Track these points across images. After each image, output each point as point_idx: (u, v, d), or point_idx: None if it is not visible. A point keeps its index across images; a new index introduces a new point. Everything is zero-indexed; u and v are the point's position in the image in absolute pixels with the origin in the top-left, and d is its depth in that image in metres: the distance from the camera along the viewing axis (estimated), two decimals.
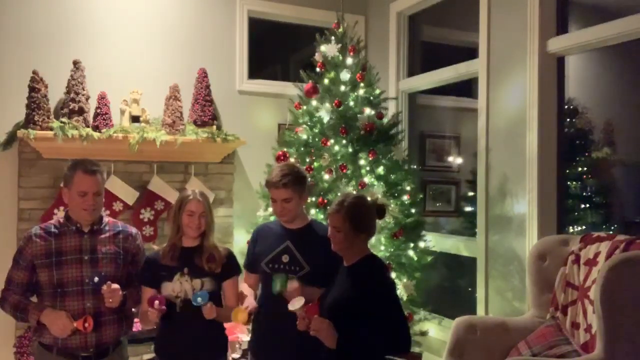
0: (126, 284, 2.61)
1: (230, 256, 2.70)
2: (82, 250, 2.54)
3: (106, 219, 2.68)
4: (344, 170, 3.44)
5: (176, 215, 2.62)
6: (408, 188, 3.61)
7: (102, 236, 2.61)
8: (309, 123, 3.66)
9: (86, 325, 2.43)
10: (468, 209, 4.48)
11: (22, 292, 2.55)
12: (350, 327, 2.28)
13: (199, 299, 2.48)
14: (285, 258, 2.62)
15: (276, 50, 5.16)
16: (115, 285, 2.47)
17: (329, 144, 3.53)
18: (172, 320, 2.55)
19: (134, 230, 2.75)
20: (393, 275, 3.41)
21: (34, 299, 2.60)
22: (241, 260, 2.83)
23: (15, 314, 2.54)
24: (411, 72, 4.69)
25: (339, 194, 3.44)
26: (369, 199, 2.56)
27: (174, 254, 2.61)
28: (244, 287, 2.75)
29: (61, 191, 3.77)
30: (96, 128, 3.87)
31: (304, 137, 3.62)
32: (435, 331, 3.91)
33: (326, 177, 3.47)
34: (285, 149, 3.61)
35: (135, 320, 2.77)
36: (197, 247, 2.63)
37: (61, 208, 3.77)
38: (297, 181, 2.61)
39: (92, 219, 2.58)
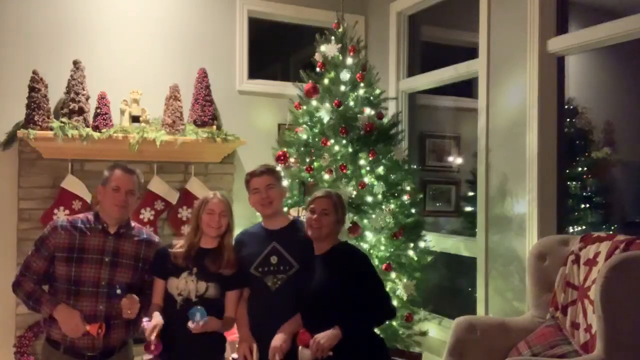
0: (139, 290, 2.62)
1: (243, 267, 2.68)
2: (105, 251, 2.55)
3: (133, 224, 2.70)
4: (344, 170, 3.44)
5: (197, 215, 2.64)
6: (408, 188, 3.61)
7: (127, 240, 2.62)
8: (309, 123, 3.66)
9: (100, 331, 2.43)
10: (468, 209, 4.48)
11: (38, 281, 2.54)
12: (342, 308, 2.40)
13: (198, 315, 2.44)
14: (273, 259, 2.64)
15: (276, 50, 5.16)
16: (136, 298, 2.48)
17: (329, 144, 3.52)
18: (171, 317, 2.54)
19: (157, 238, 2.77)
20: (393, 275, 3.42)
21: (46, 288, 2.59)
22: None
23: (27, 302, 2.53)
24: (411, 72, 4.69)
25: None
26: None
27: (189, 254, 2.60)
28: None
29: (61, 193, 3.80)
30: (96, 128, 3.87)
31: (304, 137, 3.62)
32: (435, 331, 3.91)
33: (326, 177, 3.47)
34: (285, 149, 3.61)
35: (143, 320, 2.77)
36: (213, 249, 2.63)
37: (61, 208, 3.78)
38: (276, 172, 2.79)
39: (119, 216, 2.58)
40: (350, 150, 3.52)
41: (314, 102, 3.65)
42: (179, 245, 2.66)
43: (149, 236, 2.72)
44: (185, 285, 2.56)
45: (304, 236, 2.60)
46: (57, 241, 2.51)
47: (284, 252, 2.65)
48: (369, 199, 3.44)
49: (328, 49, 3.65)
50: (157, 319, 2.49)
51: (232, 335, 3.58)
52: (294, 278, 2.61)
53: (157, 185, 4.12)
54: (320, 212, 2.51)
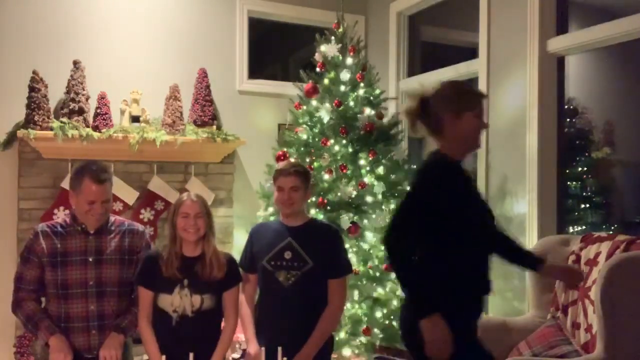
0: (132, 286, 2.59)
1: (232, 263, 2.59)
2: (87, 251, 2.52)
3: (112, 219, 2.64)
4: (344, 170, 3.44)
5: (171, 222, 2.50)
6: (408, 188, 3.60)
7: (108, 237, 2.57)
8: (309, 123, 3.66)
9: None
10: None
11: (36, 290, 2.51)
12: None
13: None
14: (287, 254, 2.61)
15: (276, 50, 5.16)
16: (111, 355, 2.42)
17: (329, 144, 3.53)
18: (168, 333, 2.47)
19: (140, 227, 2.69)
20: (393, 275, 3.41)
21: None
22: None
23: (26, 325, 2.49)
24: (411, 72, 4.69)
25: (339, 194, 3.45)
26: None
27: (174, 265, 2.47)
28: (241, 301, 2.69)
29: (61, 193, 3.79)
30: (96, 128, 3.86)
31: (304, 137, 3.62)
32: None
33: (326, 177, 3.47)
34: (285, 149, 3.61)
35: None
36: (199, 257, 2.51)
37: (61, 208, 3.77)
38: (305, 174, 2.69)
39: (99, 224, 2.55)
40: (350, 150, 3.52)
41: (314, 102, 3.65)
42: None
43: (131, 225, 2.65)
44: (180, 301, 2.45)
45: (325, 234, 2.65)
46: (42, 247, 2.48)
47: (299, 248, 2.62)
48: (369, 199, 3.44)
49: (328, 49, 3.66)
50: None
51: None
52: (308, 275, 2.58)
53: (157, 185, 4.12)
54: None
